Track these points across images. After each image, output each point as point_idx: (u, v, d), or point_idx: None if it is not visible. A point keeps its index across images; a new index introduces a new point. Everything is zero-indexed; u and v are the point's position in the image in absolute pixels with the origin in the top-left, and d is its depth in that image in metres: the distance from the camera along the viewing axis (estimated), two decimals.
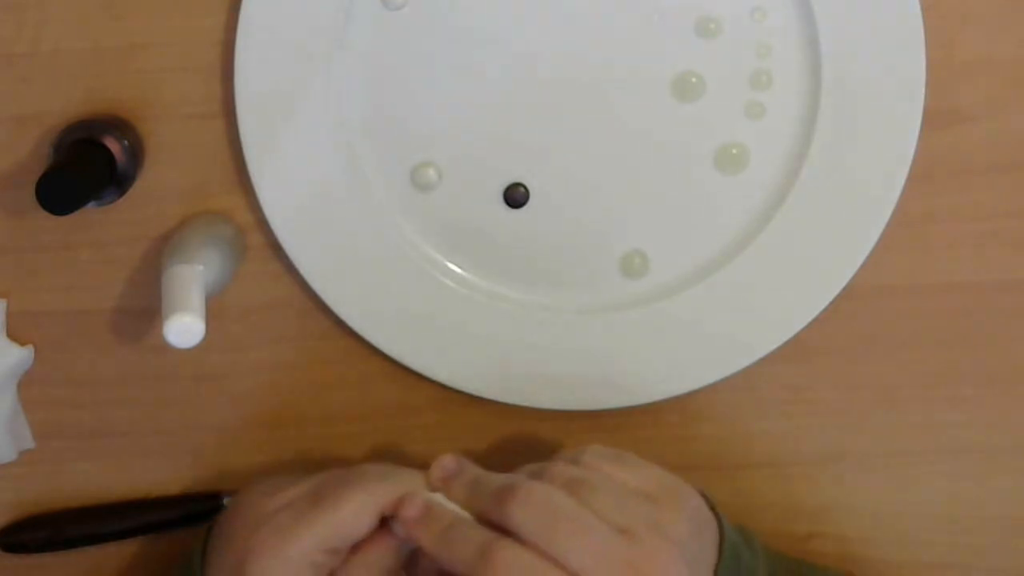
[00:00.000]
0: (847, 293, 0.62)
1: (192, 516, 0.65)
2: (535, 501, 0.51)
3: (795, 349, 0.63)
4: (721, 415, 0.65)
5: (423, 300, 0.62)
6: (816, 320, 0.62)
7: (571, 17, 0.60)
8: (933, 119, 0.60)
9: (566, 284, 0.63)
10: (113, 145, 0.59)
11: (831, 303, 0.62)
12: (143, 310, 0.63)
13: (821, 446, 0.66)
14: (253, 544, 0.53)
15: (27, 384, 0.65)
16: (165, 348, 0.63)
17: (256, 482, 0.58)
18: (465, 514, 0.52)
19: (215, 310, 0.63)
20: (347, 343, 0.64)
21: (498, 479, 0.53)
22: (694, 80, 0.60)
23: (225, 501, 0.65)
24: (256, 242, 0.63)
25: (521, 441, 0.65)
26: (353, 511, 0.53)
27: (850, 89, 0.60)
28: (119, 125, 0.60)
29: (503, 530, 0.51)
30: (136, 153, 0.61)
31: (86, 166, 0.58)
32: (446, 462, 0.54)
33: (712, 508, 0.57)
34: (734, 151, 0.61)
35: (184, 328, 0.52)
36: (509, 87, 0.61)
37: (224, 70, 0.61)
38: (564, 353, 0.63)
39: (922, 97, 0.60)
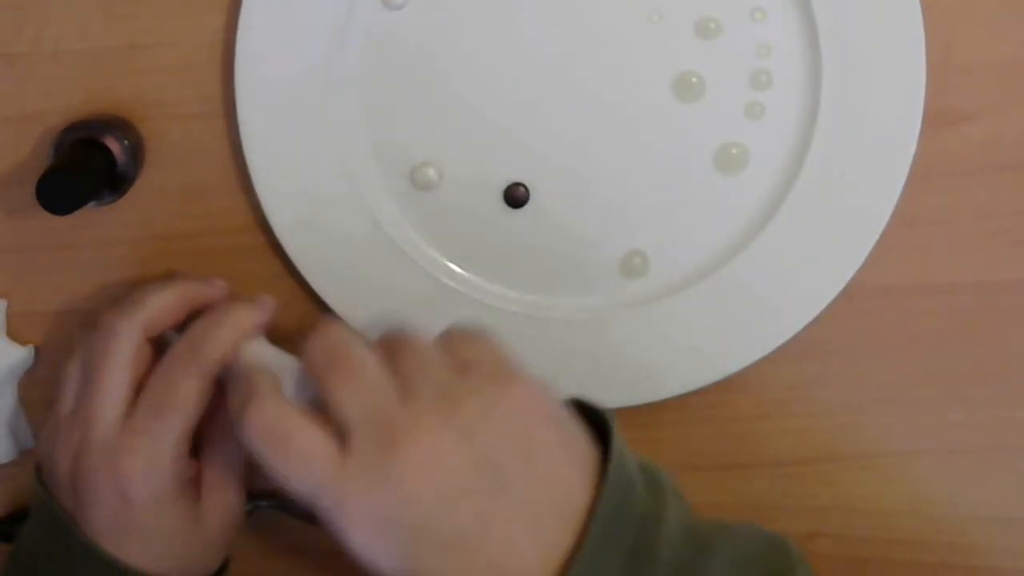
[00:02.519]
0: (847, 293, 0.62)
1: None
2: (326, 340, 0.49)
3: (795, 349, 0.63)
4: (721, 415, 0.65)
5: (423, 300, 0.62)
6: (816, 320, 0.62)
7: (571, 17, 0.60)
8: (933, 119, 0.60)
9: (566, 284, 0.63)
10: (113, 145, 0.59)
11: (831, 303, 0.62)
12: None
13: (821, 446, 0.66)
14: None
15: (27, 384, 0.65)
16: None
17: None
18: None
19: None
20: None
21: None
22: (694, 80, 0.60)
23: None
24: (256, 242, 0.63)
25: None
26: (113, 385, 0.54)
27: (850, 89, 0.60)
28: (119, 125, 0.60)
29: None
30: (136, 153, 0.61)
31: (86, 166, 0.58)
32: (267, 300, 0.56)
33: (604, 425, 0.50)
34: (734, 151, 0.61)
35: None
36: (509, 87, 0.61)
37: (224, 70, 0.61)
38: (563, 353, 0.63)
39: (922, 97, 0.60)
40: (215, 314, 0.56)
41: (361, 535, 0.47)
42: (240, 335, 0.55)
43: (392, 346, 0.50)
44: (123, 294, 0.63)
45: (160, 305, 0.56)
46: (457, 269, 0.63)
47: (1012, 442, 0.66)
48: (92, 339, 0.56)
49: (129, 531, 0.54)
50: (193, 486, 0.56)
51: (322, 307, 0.63)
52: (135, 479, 0.53)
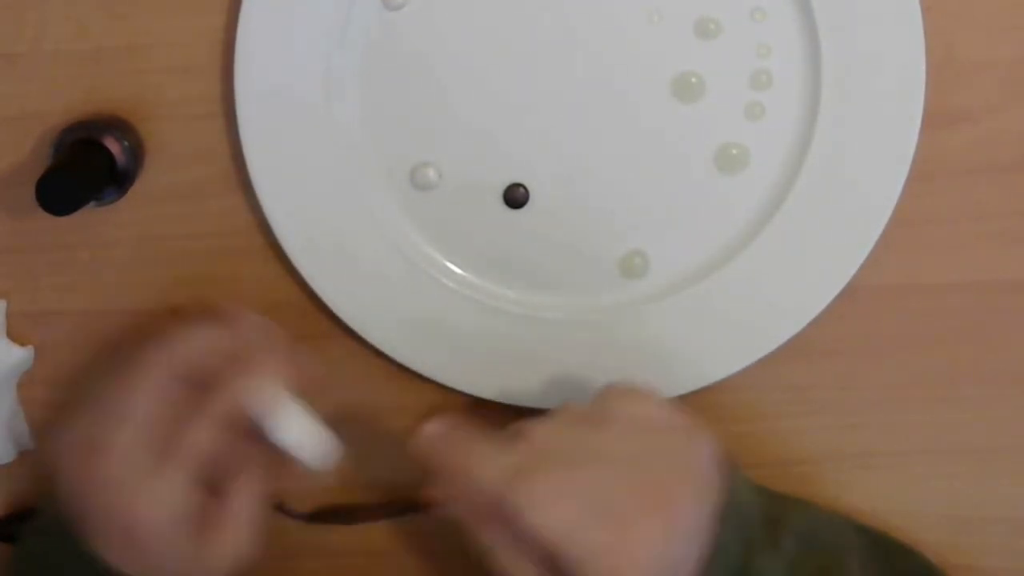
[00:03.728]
0: (847, 293, 0.62)
1: None
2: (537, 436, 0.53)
3: (795, 349, 0.63)
4: (721, 415, 0.65)
5: (422, 300, 0.62)
6: (816, 320, 0.62)
7: (571, 17, 0.60)
8: (933, 119, 0.60)
9: (566, 284, 0.63)
10: (113, 145, 0.59)
11: (831, 303, 0.62)
12: (143, 310, 0.63)
13: (821, 446, 0.66)
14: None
15: (27, 384, 0.65)
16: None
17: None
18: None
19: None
20: (347, 343, 0.64)
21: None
22: (694, 80, 0.60)
23: None
24: (256, 242, 0.63)
25: None
26: (134, 418, 0.53)
27: (850, 89, 0.60)
28: (119, 125, 0.60)
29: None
30: (136, 153, 0.61)
31: (86, 166, 0.58)
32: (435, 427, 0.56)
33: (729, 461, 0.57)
34: (734, 151, 0.61)
35: None
36: (509, 87, 0.61)
37: (224, 70, 0.61)
38: (564, 353, 0.63)
39: (922, 97, 0.60)
40: (239, 361, 0.55)
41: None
42: (262, 383, 0.54)
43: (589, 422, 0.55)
44: (123, 294, 0.63)
45: (197, 344, 0.55)
46: (457, 269, 0.63)
47: (1012, 442, 0.66)
48: (122, 364, 0.55)
49: (132, 555, 0.54)
50: (206, 522, 0.55)
51: (322, 307, 0.63)
52: (142, 519, 0.53)
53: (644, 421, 0.55)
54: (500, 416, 0.65)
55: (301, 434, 0.53)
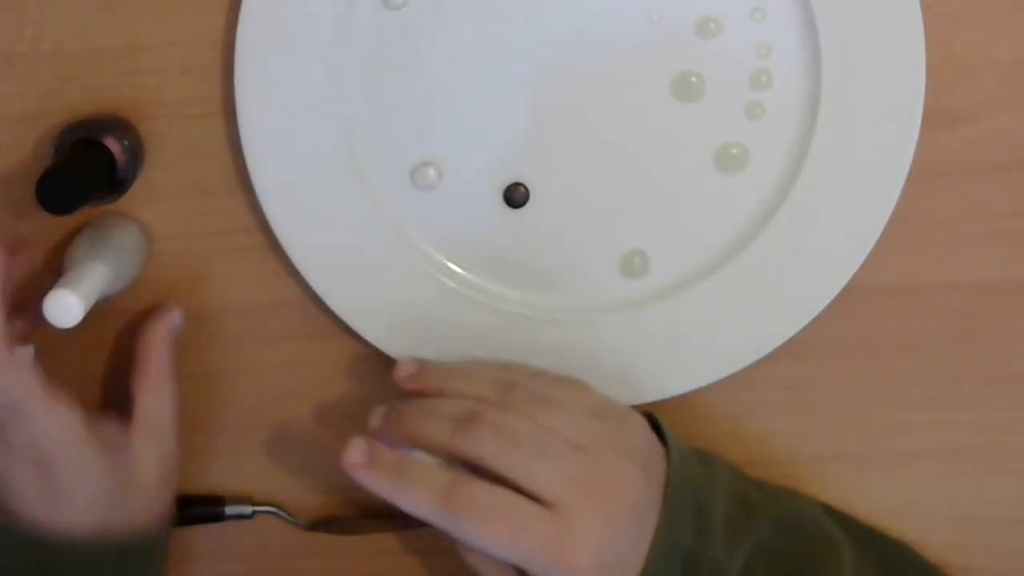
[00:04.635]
0: (847, 293, 0.62)
1: (191, 517, 0.65)
2: (497, 430, 0.54)
3: (795, 349, 0.63)
4: (721, 415, 0.65)
5: (423, 300, 0.62)
6: (816, 320, 0.62)
7: (571, 17, 0.60)
8: (933, 119, 0.60)
9: (566, 284, 0.63)
10: (113, 145, 0.59)
11: (831, 303, 0.62)
12: (143, 310, 0.63)
13: (821, 446, 0.66)
14: None
15: None
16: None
17: None
18: (407, 453, 0.55)
19: (215, 310, 0.63)
20: (347, 343, 0.64)
21: (454, 407, 0.56)
22: (694, 80, 0.60)
23: (227, 509, 0.65)
24: (256, 242, 0.63)
25: None
26: None
27: (850, 89, 0.60)
28: (119, 125, 0.60)
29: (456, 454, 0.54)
30: (136, 153, 0.60)
31: (86, 166, 0.58)
32: (408, 368, 0.59)
33: (658, 427, 0.59)
34: (734, 151, 0.61)
35: (62, 304, 0.53)
36: (509, 87, 0.61)
37: (224, 70, 0.61)
38: (564, 353, 0.63)
39: (922, 97, 0.60)
40: None
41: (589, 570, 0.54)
42: None
43: (534, 410, 0.56)
44: (123, 294, 0.63)
45: None
46: (457, 269, 0.63)
47: (1012, 442, 0.66)
48: None
49: (55, 495, 0.56)
50: (118, 441, 0.58)
51: (322, 307, 0.63)
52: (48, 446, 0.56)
53: (587, 407, 0.57)
54: None
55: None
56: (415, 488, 0.54)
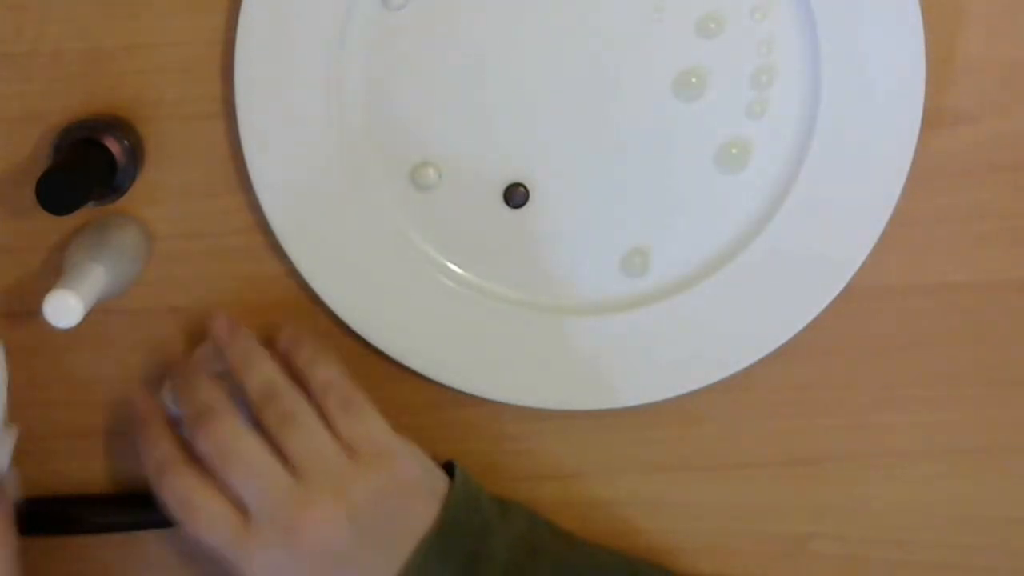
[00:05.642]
0: (847, 293, 0.62)
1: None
2: (218, 436, 0.56)
3: (795, 349, 0.63)
4: (721, 415, 0.65)
5: (422, 300, 0.62)
6: (816, 320, 0.62)
7: (571, 16, 0.60)
8: (933, 119, 0.60)
9: (566, 284, 0.63)
10: (113, 145, 0.59)
11: (831, 303, 0.62)
12: (142, 310, 0.63)
13: (821, 446, 0.66)
14: None
15: None
16: (166, 348, 0.64)
17: None
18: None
19: (215, 310, 0.63)
20: (347, 343, 0.64)
21: (204, 396, 0.58)
22: (694, 80, 0.60)
23: None
24: (256, 242, 0.63)
25: (521, 441, 0.65)
26: None
27: (850, 89, 0.60)
28: (119, 125, 0.60)
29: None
30: (136, 153, 0.60)
31: (86, 166, 0.58)
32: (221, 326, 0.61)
33: (455, 477, 0.59)
34: (734, 150, 0.61)
35: (62, 304, 0.54)
36: (509, 87, 0.61)
37: (224, 70, 0.61)
38: (564, 353, 0.63)
39: (922, 97, 0.60)
40: None
41: None
42: None
43: (277, 421, 0.57)
44: (122, 294, 0.63)
45: None
46: (457, 269, 0.63)
47: (1012, 442, 0.66)
48: None
49: None
50: None
51: (322, 307, 0.63)
52: None
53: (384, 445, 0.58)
54: (500, 415, 0.65)
55: None
56: (211, 524, 0.56)
